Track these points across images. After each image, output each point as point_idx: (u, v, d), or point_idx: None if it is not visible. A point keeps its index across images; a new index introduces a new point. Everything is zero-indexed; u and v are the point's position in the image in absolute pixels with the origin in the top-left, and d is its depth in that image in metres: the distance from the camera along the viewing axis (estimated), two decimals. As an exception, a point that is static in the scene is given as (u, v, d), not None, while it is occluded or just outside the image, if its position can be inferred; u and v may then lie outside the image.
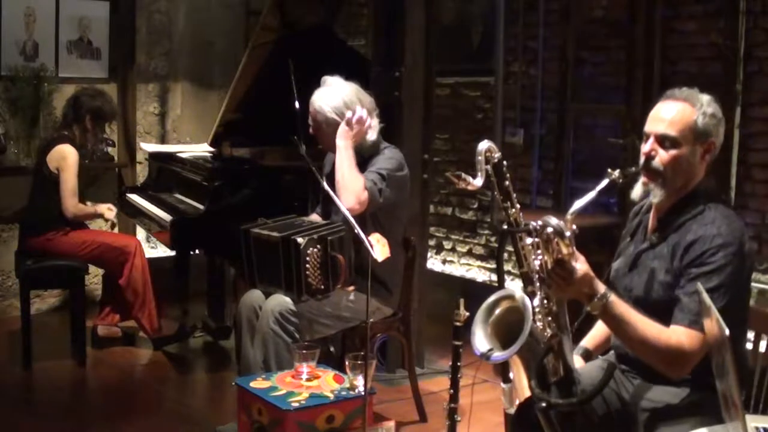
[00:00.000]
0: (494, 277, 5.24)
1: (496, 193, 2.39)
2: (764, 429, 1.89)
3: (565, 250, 2.07)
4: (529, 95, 5.20)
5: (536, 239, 2.11)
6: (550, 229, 2.07)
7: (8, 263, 4.85)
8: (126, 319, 4.66)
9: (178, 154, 4.76)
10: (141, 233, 5.50)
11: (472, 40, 5.47)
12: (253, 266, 3.38)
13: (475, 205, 5.56)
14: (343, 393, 2.92)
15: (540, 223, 2.09)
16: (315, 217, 3.64)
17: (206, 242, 4.23)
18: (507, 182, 2.39)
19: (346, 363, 2.93)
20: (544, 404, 2.11)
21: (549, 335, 2.17)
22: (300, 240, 3.18)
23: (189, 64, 6.01)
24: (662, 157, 2.23)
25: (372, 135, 3.53)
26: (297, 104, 4.06)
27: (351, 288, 3.38)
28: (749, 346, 2.44)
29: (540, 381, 2.17)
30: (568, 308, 2.20)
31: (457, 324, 2.68)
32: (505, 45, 5.10)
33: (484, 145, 2.38)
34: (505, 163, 2.40)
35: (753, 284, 4.04)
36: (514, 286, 2.27)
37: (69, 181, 4.37)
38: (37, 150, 4.80)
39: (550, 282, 2.12)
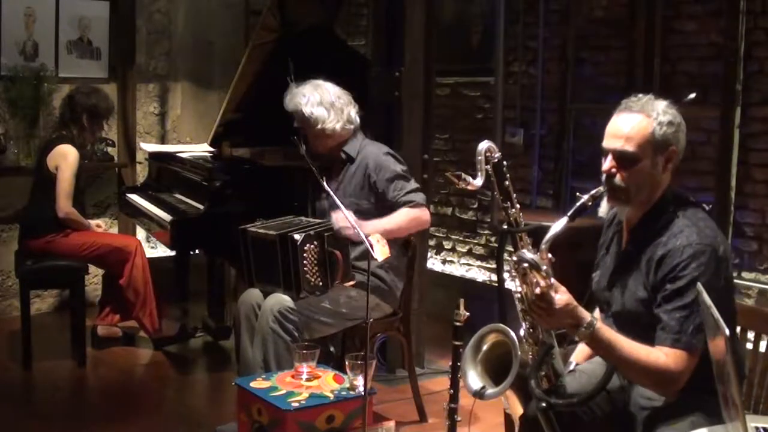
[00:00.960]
0: (494, 277, 5.24)
1: (496, 193, 2.39)
2: (764, 429, 1.89)
3: (543, 282, 2.09)
4: (529, 95, 5.20)
5: (513, 273, 2.14)
6: (525, 264, 2.09)
7: (8, 263, 4.85)
8: (127, 319, 4.66)
9: (178, 154, 4.76)
10: (141, 233, 5.50)
11: (472, 40, 5.46)
12: (251, 266, 3.39)
13: (475, 205, 5.56)
14: (343, 393, 2.92)
15: (515, 258, 2.13)
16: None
17: (206, 242, 4.23)
18: (507, 182, 2.39)
19: (346, 363, 2.93)
20: (544, 404, 2.12)
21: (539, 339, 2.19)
22: (297, 237, 3.19)
23: (189, 64, 6.02)
24: (623, 174, 2.20)
25: (349, 125, 3.60)
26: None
27: (351, 283, 3.38)
28: (749, 346, 2.44)
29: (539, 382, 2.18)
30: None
31: (457, 324, 2.68)
32: (505, 45, 5.10)
33: (484, 145, 2.38)
34: (505, 163, 2.40)
35: (753, 284, 4.07)
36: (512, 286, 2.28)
37: (65, 180, 4.36)
38: (36, 150, 4.80)
39: (532, 314, 2.14)
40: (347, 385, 2.95)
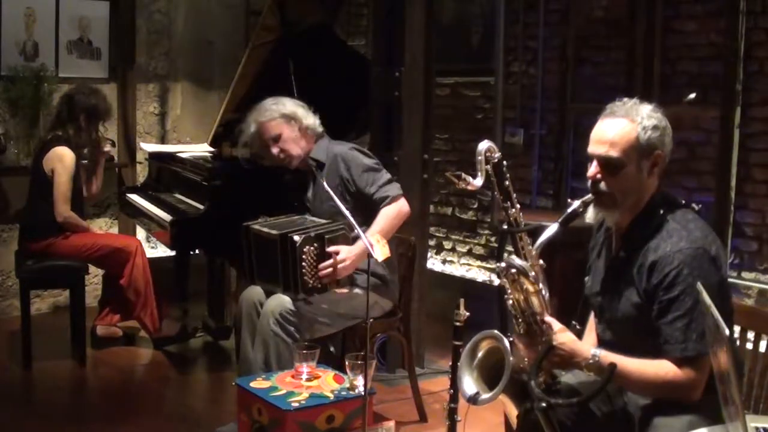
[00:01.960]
0: (494, 277, 5.24)
1: (496, 193, 2.40)
2: (764, 429, 1.89)
3: (531, 288, 2.11)
4: (529, 95, 5.20)
5: (503, 280, 2.15)
6: (513, 270, 2.10)
7: (8, 263, 4.85)
8: (127, 319, 4.66)
9: (178, 154, 4.76)
10: (141, 233, 5.50)
11: (472, 40, 5.46)
12: (253, 263, 3.40)
13: (475, 205, 5.56)
14: (343, 393, 2.92)
15: (503, 264, 2.14)
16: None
17: (206, 242, 4.23)
18: (507, 182, 2.39)
19: (346, 363, 2.93)
20: (544, 404, 2.12)
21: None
22: (296, 238, 3.19)
23: (189, 64, 6.01)
24: (608, 179, 2.19)
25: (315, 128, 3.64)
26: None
27: (344, 291, 3.37)
28: (749, 346, 2.44)
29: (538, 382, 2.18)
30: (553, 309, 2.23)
31: (457, 324, 2.69)
32: (505, 45, 5.10)
33: (484, 145, 2.39)
34: (505, 163, 2.40)
35: (753, 284, 4.06)
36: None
37: (62, 185, 4.36)
38: (32, 152, 4.80)
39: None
40: (347, 385, 2.96)
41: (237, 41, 6.03)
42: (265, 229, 3.33)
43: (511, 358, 2.17)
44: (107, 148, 4.81)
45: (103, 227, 5.59)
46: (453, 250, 5.72)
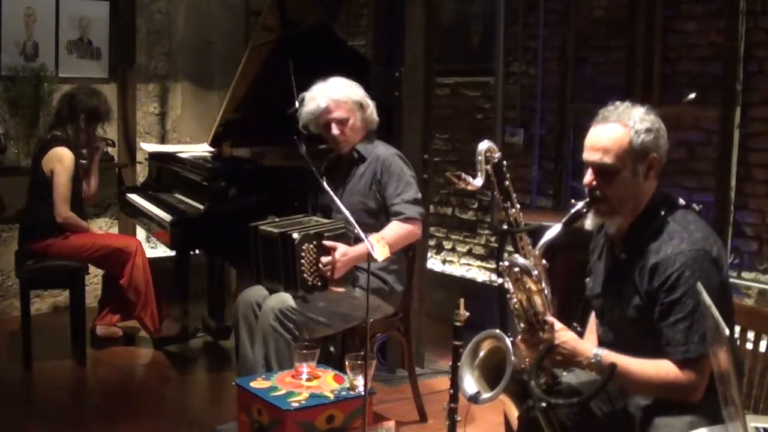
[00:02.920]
0: (494, 277, 5.24)
1: (496, 193, 2.40)
2: (764, 429, 1.89)
3: (534, 287, 2.10)
4: (529, 95, 5.20)
5: (506, 278, 2.15)
6: (516, 269, 2.10)
7: (8, 263, 4.85)
8: (128, 319, 4.66)
9: (178, 154, 4.76)
10: (141, 233, 5.50)
11: (472, 40, 5.46)
12: (260, 263, 3.40)
13: (475, 205, 5.56)
14: (343, 393, 2.92)
15: (506, 263, 2.13)
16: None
17: (206, 242, 4.23)
18: (507, 182, 2.39)
19: (346, 363, 2.93)
20: (544, 404, 2.12)
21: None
22: (295, 235, 3.20)
23: (189, 64, 6.02)
24: (604, 186, 2.19)
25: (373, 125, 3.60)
26: (297, 104, 4.07)
27: (341, 290, 3.36)
28: (749, 346, 2.44)
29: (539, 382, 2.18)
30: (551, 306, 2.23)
31: (457, 324, 2.69)
32: (505, 45, 5.09)
33: (484, 145, 2.39)
34: (505, 163, 2.40)
35: (753, 284, 4.06)
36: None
37: (61, 185, 4.36)
38: (31, 153, 4.80)
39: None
40: (347, 385, 2.96)
41: (237, 41, 6.03)
42: (269, 228, 3.34)
43: (512, 358, 2.17)
44: (102, 144, 4.81)
45: (103, 227, 5.59)
46: (453, 250, 5.72)
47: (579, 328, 2.42)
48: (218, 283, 4.96)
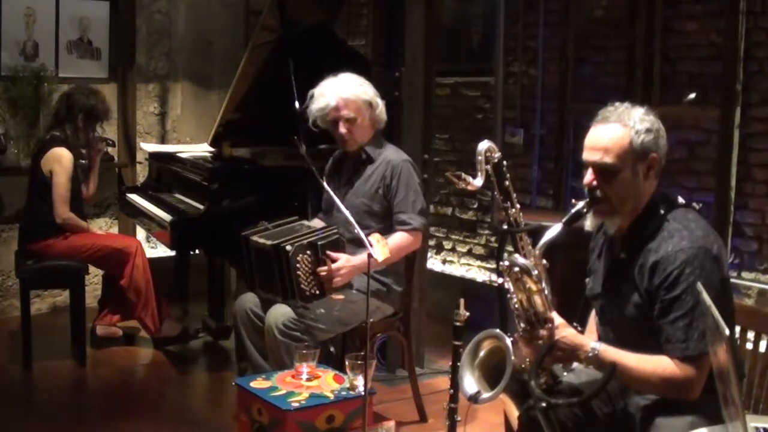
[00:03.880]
0: (494, 277, 5.24)
1: (496, 193, 2.40)
2: (764, 429, 1.89)
3: (534, 287, 2.10)
4: (529, 95, 5.20)
5: (506, 278, 2.15)
6: (516, 268, 2.10)
7: (8, 263, 4.85)
8: (128, 319, 4.66)
9: (178, 154, 4.76)
10: (141, 233, 5.50)
11: (472, 40, 5.47)
12: (254, 272, 3.40)
13: (475, 205, 5.56)
14: (343, 393, 2.92)
15: (507, 262, 2.13)
16: (317, 222, 3.62)
17: (206, 242, 4.23)
18: (507, 182, 2.39)
19: (346, 363, 2.93)
20: (544, 404, 2.12)
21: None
22: (288, 248, 3.16)
23: (189, 64, 6.02)
24: (604, 186, 2.19)
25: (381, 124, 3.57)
26: (297, 104, 4.07)
27: (340, 297, 3.34)
28: (749, 346, 2.44)
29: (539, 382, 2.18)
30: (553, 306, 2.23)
31: (457, 324, 2.68)
32: (505, 45, 5.09)
33: (484, 145, 2.38)
34: (505, 163, 2.40)
35: (753, 284, 4.06)
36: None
37: (61, 186, 4.35)
38: (30, 153, 4.80)
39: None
40: (347, 385, 2.95)
41: (237, 41, 6.03)
42: (261, 240, 3.29)
43: (512, 358, 2.17)
44: (103, 146, 4.81)
45: (103, 227, 5.59)
46: (453, 250, 5.72)
47: (579, 328, 2.41)
48: (218, 283, 4.96)
